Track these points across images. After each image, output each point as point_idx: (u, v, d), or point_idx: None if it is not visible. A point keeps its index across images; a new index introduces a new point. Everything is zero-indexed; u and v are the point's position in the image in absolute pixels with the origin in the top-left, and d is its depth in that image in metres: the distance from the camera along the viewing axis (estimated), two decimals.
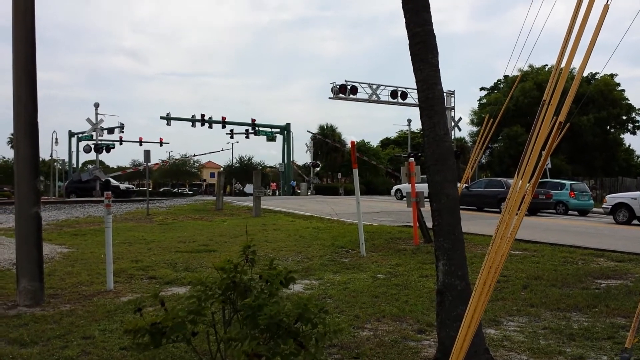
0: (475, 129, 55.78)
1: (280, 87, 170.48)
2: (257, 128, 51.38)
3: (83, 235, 14.02)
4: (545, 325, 5.76)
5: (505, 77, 52.30)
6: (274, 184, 66.49)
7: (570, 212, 26.48)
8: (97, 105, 43.77)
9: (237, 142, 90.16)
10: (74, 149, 53.11)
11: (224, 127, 49.65)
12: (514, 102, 47.09)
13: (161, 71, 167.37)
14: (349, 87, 31.18)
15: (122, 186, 45.19)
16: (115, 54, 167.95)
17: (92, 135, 45.06)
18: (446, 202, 4.26)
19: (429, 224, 11.64)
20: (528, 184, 3.38)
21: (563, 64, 3.55)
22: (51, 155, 58.11)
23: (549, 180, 28.49)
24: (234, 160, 76.79)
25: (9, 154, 74.30)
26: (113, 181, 45.87)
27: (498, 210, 24.28)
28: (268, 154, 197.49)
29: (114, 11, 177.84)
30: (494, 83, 59.61)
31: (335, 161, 64.66)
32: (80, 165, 54.44)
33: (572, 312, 6.37)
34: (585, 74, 3.57)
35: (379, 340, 5.15)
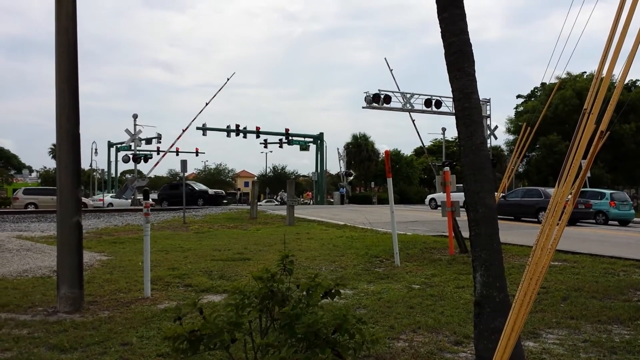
0: (511, 137, 55.12)
1: (313, 96, 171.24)
2: (290, 138, 51.64)
3: (121, 243, 14.30)
4: (586, 338, 5.61)
5: (543, 84, 51.50)
6: (309, 193, 66.61)
7: (610, 222, 25.85)
8: (135, 117, 44.52)
9: (271, 151, 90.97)
10: (112, 158, 54.37)
11: (258, 137, 50.05)
12: (552, 110, 46.28)
13: (196, 83, 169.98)
14: (382, 96, 31.04)
15: (211, 191, 41.62)
16: (152, 66, 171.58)
17: (131, 146, 45.74)
18: (484, 212, 4.19)
19: (465, 234, 11.44)
20: (570, 194, 3.31)
21: (604, 73, 3.48)
22: (90, 165, 59.68)
23: (588, 189, 27.86)
24: (268, 170, 77.44)
25: (50, 164, 76.51)
26: (201, 186, 43.52)
27: (536, 220, 23.86)
28: (300, 163, 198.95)
29: (150, 25, 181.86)
30: (531, 90, 58.87)
31: (368, 170, 64.48)
32: (118, 175, 55.53)
33: (613, 324, 6.20)
34: (625, 81, 3.50)
35: (415, 352, 5.10)
